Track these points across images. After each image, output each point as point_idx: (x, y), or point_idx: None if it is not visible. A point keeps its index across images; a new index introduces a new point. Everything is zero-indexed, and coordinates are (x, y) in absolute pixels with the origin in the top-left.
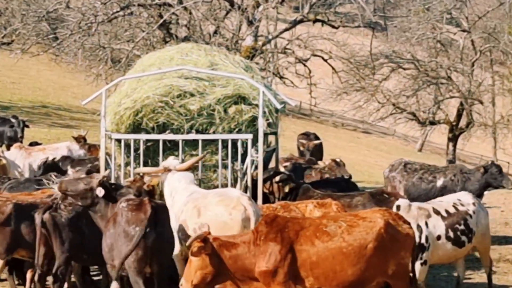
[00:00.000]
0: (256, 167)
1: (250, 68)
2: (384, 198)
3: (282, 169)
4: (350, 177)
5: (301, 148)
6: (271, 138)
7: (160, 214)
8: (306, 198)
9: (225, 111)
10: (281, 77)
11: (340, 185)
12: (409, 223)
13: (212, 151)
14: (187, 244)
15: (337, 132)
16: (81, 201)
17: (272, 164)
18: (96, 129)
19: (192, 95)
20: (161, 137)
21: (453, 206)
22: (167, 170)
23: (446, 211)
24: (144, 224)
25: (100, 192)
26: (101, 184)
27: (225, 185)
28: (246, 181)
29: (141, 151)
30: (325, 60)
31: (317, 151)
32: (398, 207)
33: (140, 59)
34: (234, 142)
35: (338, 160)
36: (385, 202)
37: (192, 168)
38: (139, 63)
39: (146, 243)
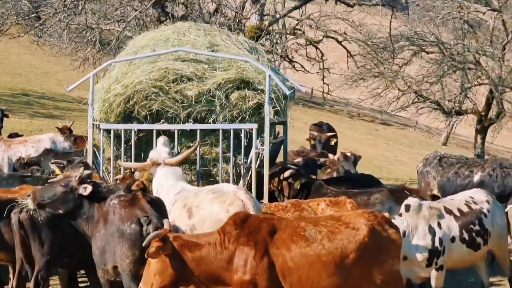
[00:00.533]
0: (261, 161)
1: (255, 50)
2: (405, 195)
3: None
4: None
5: (312, 142)
6: (279, 128)
7: (156, 209)
8: (318, 196)
9: (227, 97)
10: (290, 61)
11: (361, 182)
12: (396, 228)
13: (211, 142)
14: (144, 243)
15: (352, 124)
16: (62, 208)
17: (280, 158)
18: (82, 119)
19: (189, 79)
20: (155, 127)
21: (466, 204)
22: (156, 164)
23: (459, 210)
24: (146, 220)
25: (85, 189)
26: (82, 181)
27: (226, 181)
28: (251, 177)
29: (132, 142)
30: (339, 42)
31: (331, 144)
32: (408, 207)
33: (132, 40)
34: (237, 133)
35: (348, 154)
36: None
37: (190, 162)
38: (130, 45)
39: (142, 242)
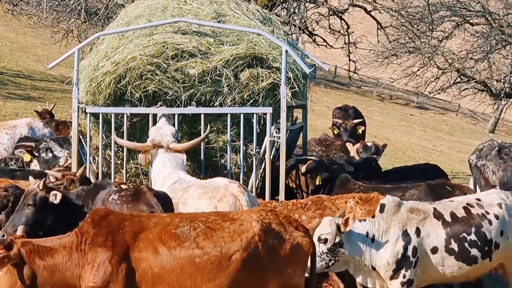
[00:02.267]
0: (277, 151)
1: (269, 21)
2: (447, 191)
3: (311, 154)
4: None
5: (335, 132)
6: (297, 112)
7: (164, 205)
8: (344, 192)
9: (236, 76)
10: (310, 34)
11: (426, 174)
12: (305, 230)
13: (218, 129)
14: None
15: (383, 107)
16: (42, 228)
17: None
18: (65, 102)
19: (192, 55)
20: (151, 111)
21: (465, 207)
22: (157, 146)
23: (452, 215)
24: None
25: (56, 197)
26: (47, 187)
27: (236, 175)
28: (264, 170)
29: (124, 129)
30: (368, 12)
31: (358, 133)
32: (382, 207)
33: (124, 9)
34: (248, 118)
35: (369, 143)
36: (447, 196)
37: (192, 153)
38: (122, 15)
39: None
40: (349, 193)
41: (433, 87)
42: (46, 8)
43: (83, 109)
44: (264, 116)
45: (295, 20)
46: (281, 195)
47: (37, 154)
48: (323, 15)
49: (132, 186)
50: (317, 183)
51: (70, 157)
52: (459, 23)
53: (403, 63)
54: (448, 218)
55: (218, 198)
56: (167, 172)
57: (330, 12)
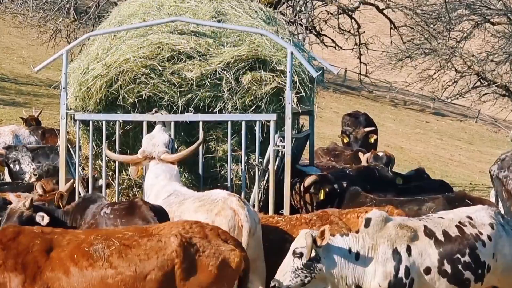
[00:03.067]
0: (281, 161)
1: (273, 20)
2: (466, 205)
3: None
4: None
5: (345, 140)
6: (304, 119)
7: (160, 219)
8: (355, 205)
9: (237, 80)
10: (318, 34)
11: (434, 189)
12: (236, 243)
13: (218, 138)
14: None
15: (397, 114)
16: None
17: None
18: (53, 107)
19: (189, 57)
20: (145, 117)
21: (458, 226)
22: (149, 158)
23: (444, 233)
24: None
25: (43, 219)
26: (36, 208)
27: (237, 187)
28: (267, 182)
29: (117, 137)
30: (381, 11)
31: (370, 142)
32: (368, 222)
33: (116, 8)
34: (250, 125)
35: (380, 153)
36: None
37: (190, 163)
38: (114, 14)
39: None
40: (360, 207)
41: (450, 92)
42: (32, 6)
43: (72, 115)
44: (268, 123)
45: (301, 19)
46: (286, 209)
47: (8, 163)
48: (331, 13)
49: (125, 199)
50: (320, 198)
51: (35, 175)
52: (478, 22)
53: (418, 66)
54: (441, 237)
55: (216, 211)
56: (161, 184)
57: (340, 10)
